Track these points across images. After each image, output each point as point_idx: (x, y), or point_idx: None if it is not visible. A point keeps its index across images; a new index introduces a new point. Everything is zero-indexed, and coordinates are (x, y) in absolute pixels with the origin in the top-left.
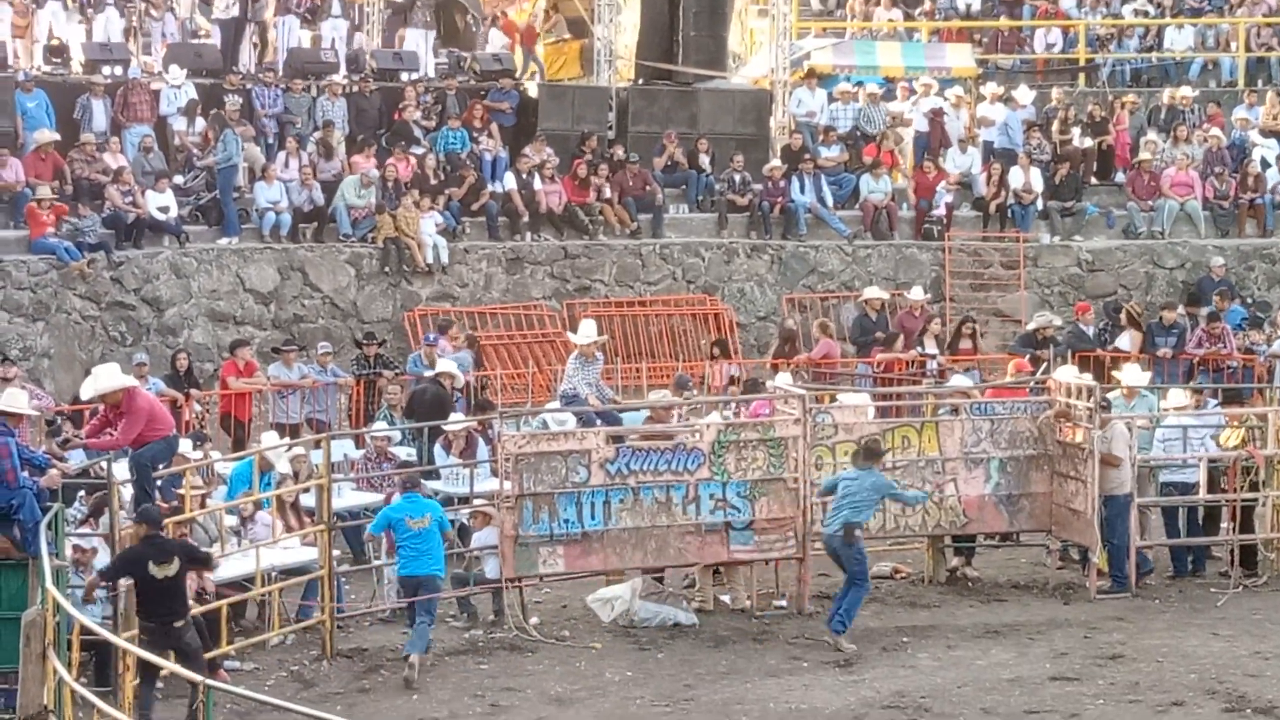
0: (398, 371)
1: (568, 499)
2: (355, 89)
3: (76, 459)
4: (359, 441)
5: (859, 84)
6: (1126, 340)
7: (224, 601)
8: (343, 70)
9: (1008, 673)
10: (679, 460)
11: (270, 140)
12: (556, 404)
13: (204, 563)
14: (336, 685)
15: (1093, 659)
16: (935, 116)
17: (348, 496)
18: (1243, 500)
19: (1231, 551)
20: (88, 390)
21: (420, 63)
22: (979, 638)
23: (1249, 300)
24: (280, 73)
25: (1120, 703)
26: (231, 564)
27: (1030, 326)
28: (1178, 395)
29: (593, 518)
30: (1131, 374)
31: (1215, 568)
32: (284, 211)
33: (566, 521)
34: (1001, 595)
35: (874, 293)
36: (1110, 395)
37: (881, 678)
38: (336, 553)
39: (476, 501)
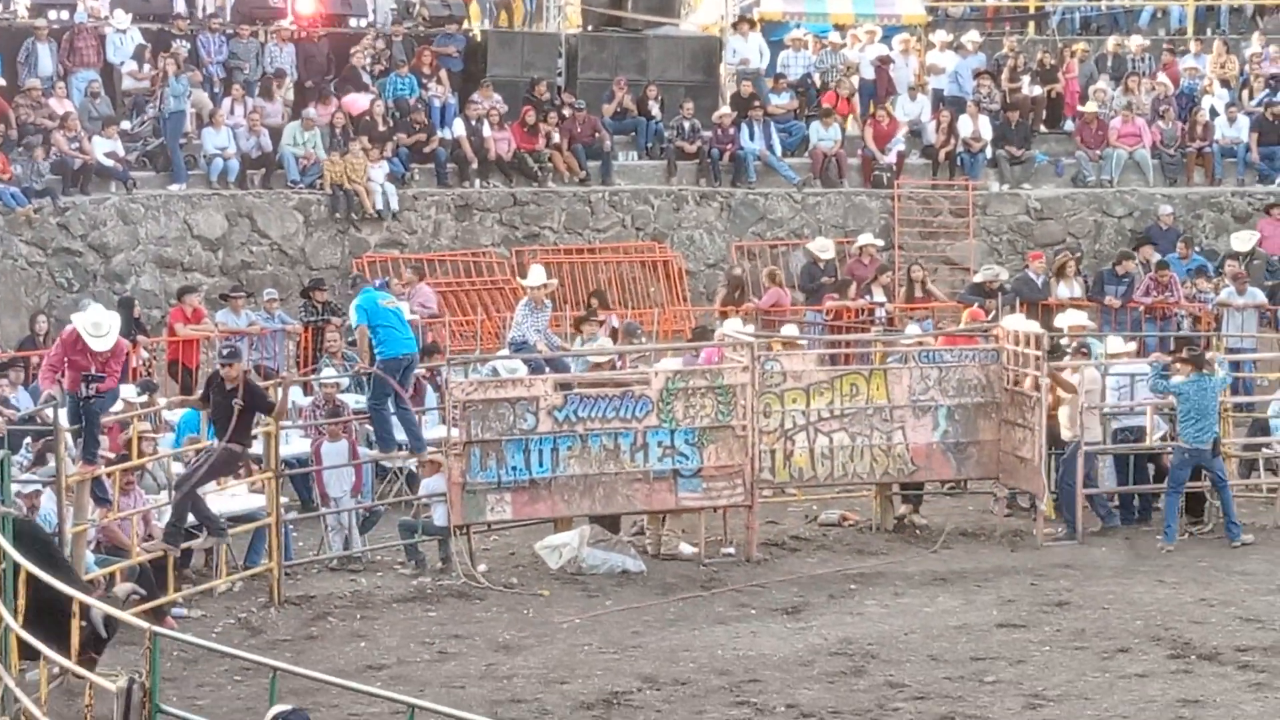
0: (345, 319)
1: (515, 446)
2: (303, 35)
3: (23, 403)
4: (306, 389)
5: (810, 31)
6: (1064, 288)
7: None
8: (290, 15)
9: (955, 620)
10: (627, 407)
11: (217, 87)
12: (505, 351)
13: None
14: (284, 632)
15: (1039, 606)
16: (881, 64)
17: (295, 444)
18: None
19: None
20: (108, 341)
21: (368, 8)
22: (926, 585)
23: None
24: (227, 18)
25: (1066, 649)
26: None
27: (977, 279)
28: (1117, 343)
29: (540, 465)
30: (1070, 317)
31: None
32: (232, 158)
33: (514, 469)
34: (949, 542)
35: (822, 247)
36: (1062, 341)
37: (829, 625)
38: (284, 500)
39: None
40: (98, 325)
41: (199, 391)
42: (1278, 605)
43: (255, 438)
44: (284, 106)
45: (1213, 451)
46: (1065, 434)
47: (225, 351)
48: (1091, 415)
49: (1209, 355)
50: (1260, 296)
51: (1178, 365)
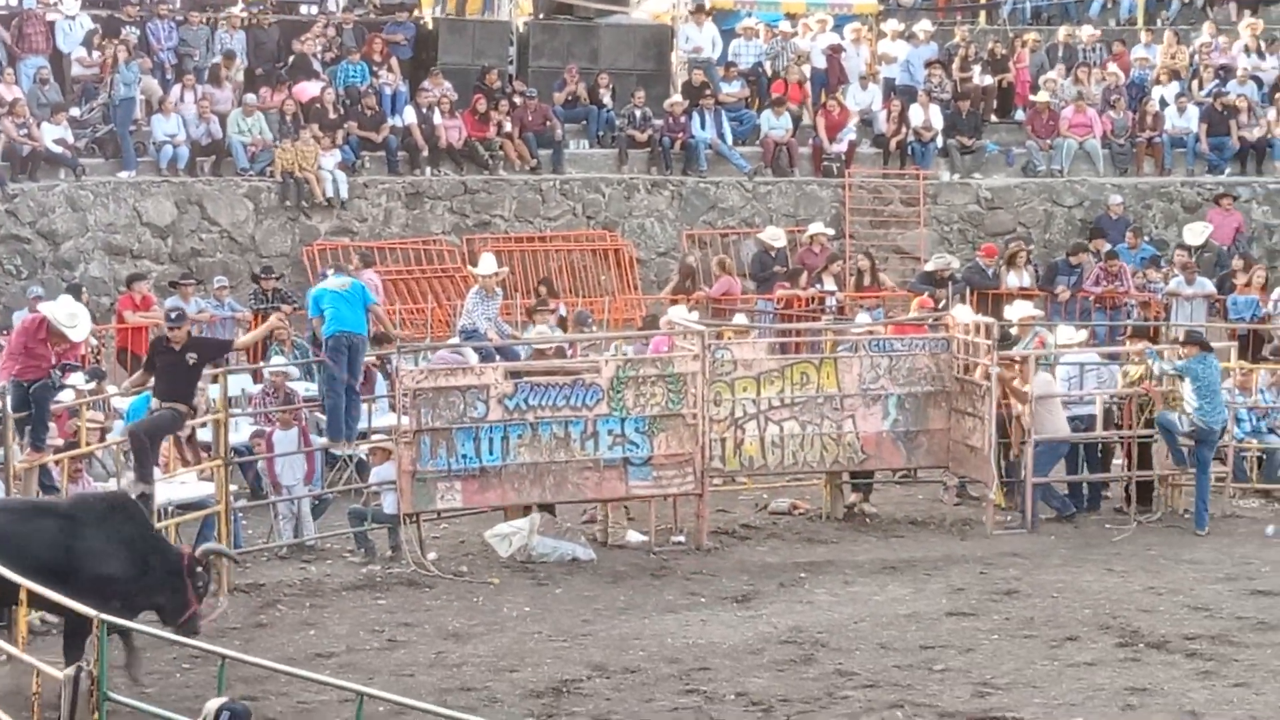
0: (295, 306)
1: (466, 434)
2: (254, 21)
3: None
4: (256, 376)
5: (761, 20)
6: (1013, 277)
7: None
8: (241, 3)
9: (904, 608)
10: (577, 396)
11: (169, 74)
12: (456, 339)
13: None
14: (234, 620)
15: (988, 594)
16: (833, 53)
17: (244, 431)
18: (1139, 437)
19: (1127, 488)
20: (83, 330)
21: None
22: (876, 573)
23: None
24: (177, 4)
25: (1015, 638)
26: None
27: (929, 267)
28: (1067, 332)
29: (491, 453)
30: (1019, 308)
31: (1111, 504)
32: (181, 145)
33: (464, 457)
34: (899, 531)
35: (773, 236)
36: (1012, 331)
37: (779, 613)
38: (233, 488)
39: (375, 437)
40: (73, 316)
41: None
42: (1225, 594)
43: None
44: (234, 93)
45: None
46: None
47: (174, 315)
48: (1053, 411)
49: (1159, 346)
50: (1209, 286)
51: (1132, 353)
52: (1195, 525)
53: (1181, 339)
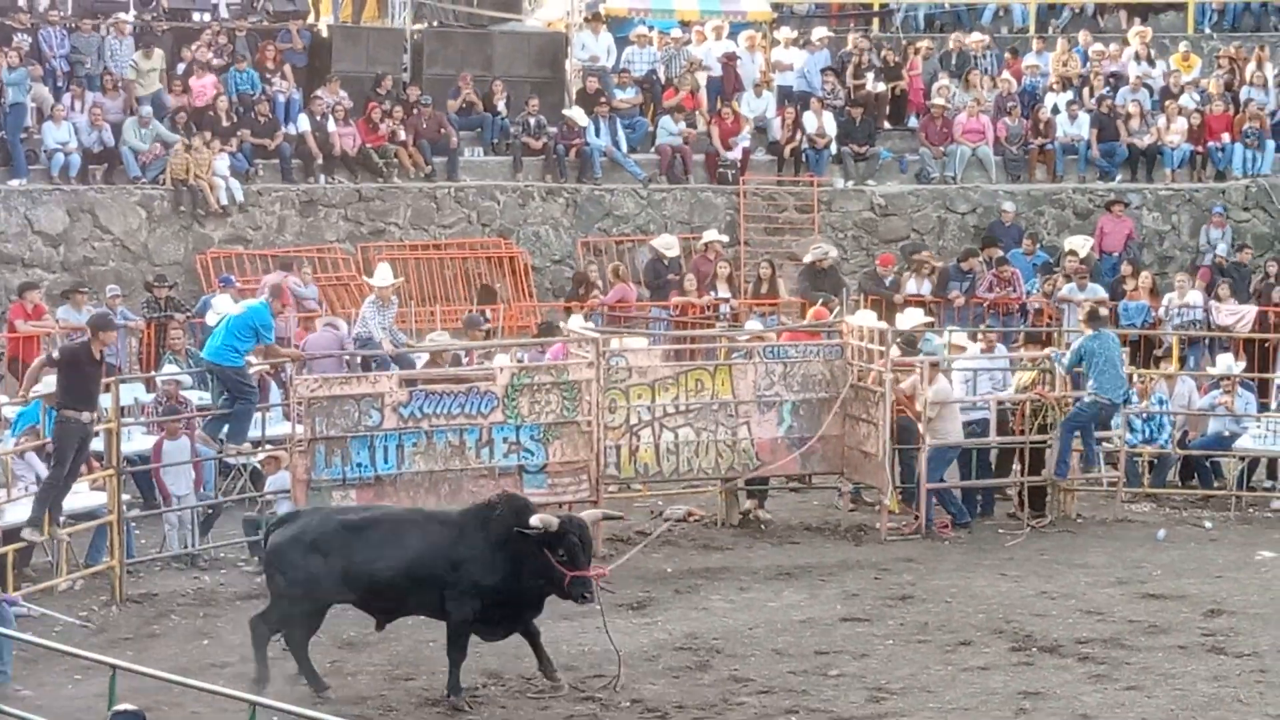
0: (188, 315)
1: (360, 443)
2: (146, 28)
3: None
4: (149, 385)
5: (654, 27)
6: (913, 284)
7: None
8: (132, 9)
9: (799, 614)
10: (472, 403)
11: (60, 82)
12: (351, 346)
13: None
14: (126, 630)
15: (883, 600)
16: (728, 60)
17: (137, 440)
18: (1032, 442)
19: (1020, 493)
20: None
21: (211, 2)
22: (771, 580)
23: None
24: (69, 12)
25: (910, 643)
26: (18, 509)
27: (807, 259)
28: (962, 338)
29: (385, 461)
30: (910, 316)
31: (1004, 509)
32: (73, 153)
33: (359, 465)
34: (794, 537)
35: (666, 244)
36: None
37: (674, 620)
38: (126, 497)
39: (268, 446)
40: None
41: (53, 356)
42: (1117, 598)
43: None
44: (125, 101)
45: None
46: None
47: (104, 320)
48: (951, 416)
49: (1048, 350)
50: (1101, 292)
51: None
52: (1088, 460)
53: (1083, 316)
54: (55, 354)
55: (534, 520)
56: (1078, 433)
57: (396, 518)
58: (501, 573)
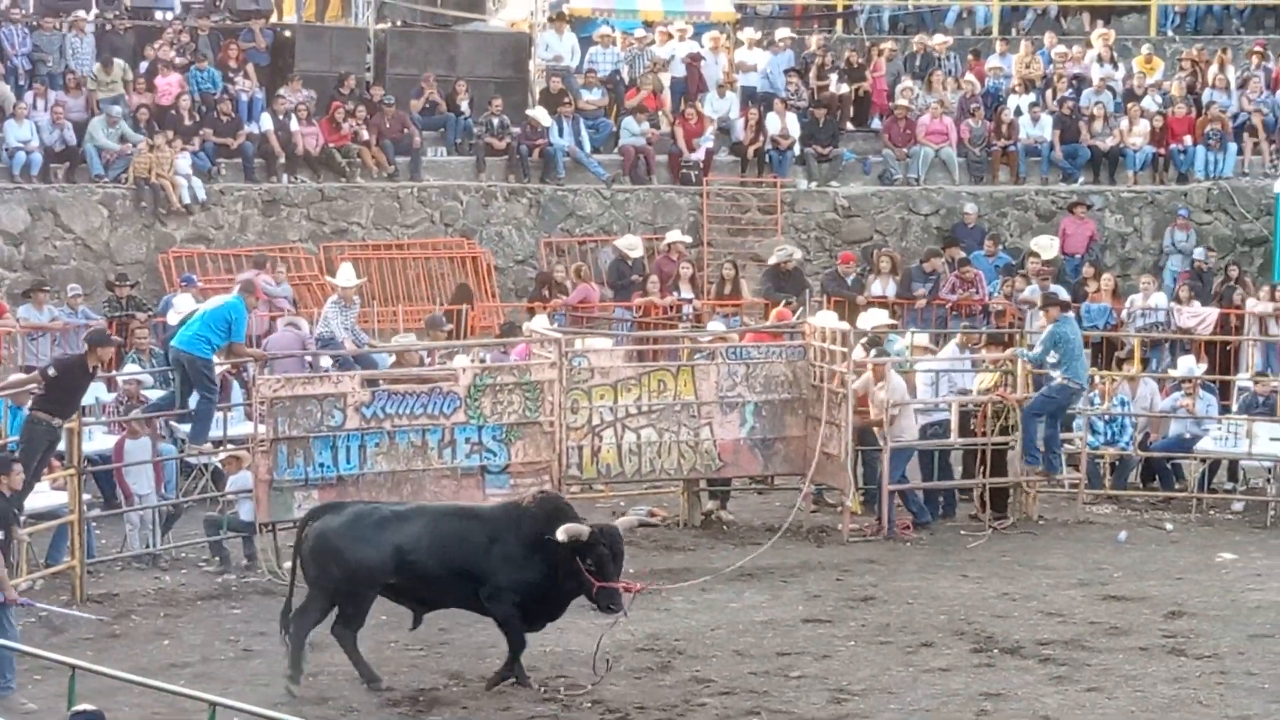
0: (150, 314)
1: (323, 443)
2: (108, 27)
3: None
4: (110, 384)
5: (618, 28)
6: (878, 285)
7: None
8: (94, 7)
9: (761, 615)
10: (435, 404)
11: (22, 80)
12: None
13: None
14: (87, 631)
15: (845, 601)
16: (692, 61)
17: (98, 440)
18: (994, 444)
19: (982, 494)
20: None
21: (173, 0)
22: (733, 581)
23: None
24: (30, 9)
25: (871, 644)
26: None
27: (771, 260)
28: (923, 339)
29: (348, 461)
30: (872, 316)
31: (966, 510)
32: (35, 151)
33: (322, 465)
34: (756, 539)
35: (630, 245)
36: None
37: (636, 620)
38: (87, 497)
39: (229, 446)
40: None
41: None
42: (1079, 599)
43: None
44: (88, 100)
45: None
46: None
47: (102, 336)
48: (905, 414)
49: (1010, 351)
50: (1064, 294)
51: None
52: (1048, 468)
53: (1041, 303)
54: (52, 371)
55: (560, 532)
56: (1040, 461)
57: (437, 511)
58: (536, 571)
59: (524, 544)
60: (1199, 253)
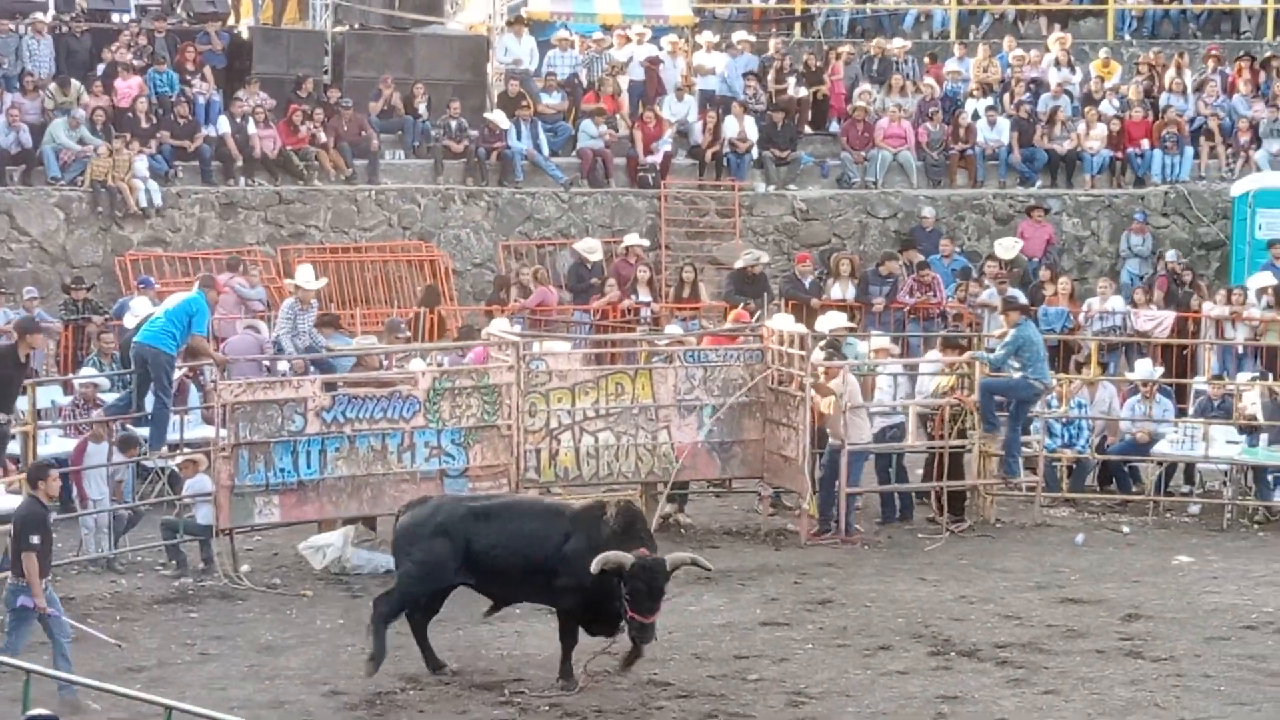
0: (107, 317)
1: (284, 448)
2: (65, 29)
3: None
4: (67, 388)
5: (576, 31)
6: (838, 289)
7: None
8: (51, 10)
9: (719, 618)
10: (395, 408)
11: None
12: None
13: None
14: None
15: (803, 604)
16: (650, 65)
17: (54, 443)
18: (951, 447)
19: (939, 497)
20: None
21: (130, 3)
22: (691, 584)
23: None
24: None
25: (829, 647)
26: None
27: (738, 264)
28: (879, 342)
29: (309, 466)
30: (831, 320)
31: (923, 513)
32: None
33: (283, 470)
34: (714, 542)
35: (589, 248)
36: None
37: None
38: None
39: (186, 449)
40: None
41: None
42: (1036, 602)
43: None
44: (44, 102)
45: None
46: (832, 440)
47: (30, 324)
48: (859, 416)
49: (967, 354)
50: (1021, 298)
51: (946, 359)
52: (1007, 472)
53: (1001, 307)
54: None
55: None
56: (1002, 423)
57: (519, 508)
58: (593, 577)
59: (593, 548)
60: (1171, 255)
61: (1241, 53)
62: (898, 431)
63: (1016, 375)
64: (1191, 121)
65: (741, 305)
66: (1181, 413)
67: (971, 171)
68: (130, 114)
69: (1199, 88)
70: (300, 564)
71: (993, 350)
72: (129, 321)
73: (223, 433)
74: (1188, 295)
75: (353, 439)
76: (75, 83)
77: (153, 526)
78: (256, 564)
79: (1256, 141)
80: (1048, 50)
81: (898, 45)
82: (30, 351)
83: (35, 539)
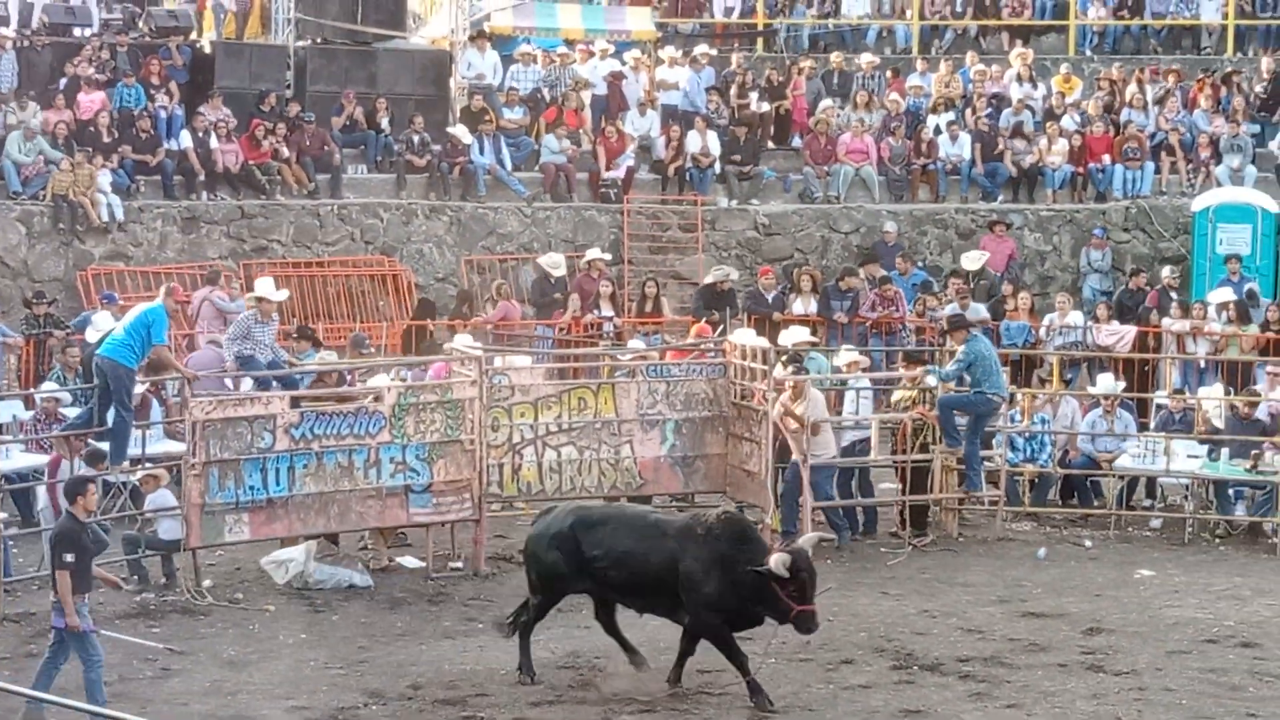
0: (69, 331)
1: (253, 465)
2: (26, 43)
3: None
4: (28, 402)
5: (539, 46)
6: (800, 303)
7: None
8: (13, 24)
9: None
10: (361, 424)
11: None
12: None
13: None
14: (3, 650)
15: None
16: (613, 80)
17: (16, 458)
18: (913, 461)
19: (901, 511)
20: None
21: (93, 17)
22: None
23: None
24: None
25: (791, 661)
26: None
27: (708, 279)
28: (848, 355)
29: (278, 483)
30: (794, 334)
31: (885, 527)
32: None
33: (252, 488)
34: None
35: (552, 263)
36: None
37: (556, 638)
38: (4, 515)
39: (148, 465)
40: None
41: None
42: (998, 616)
43: None
44: (6, 117)
45: None
46: (795, 455)
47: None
48: (824, 431)
49: (923, 368)
50: (983, 312)
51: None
52: (969, 486)
53: (946, 326)
54: None
55: (776, 566)
56: (963, 442)
57: (623, 522)
58: (716, 586)
59: (702, 563)
60: (1167, 271)
61: (1203, 69)
62: (865, 446)
63: (972, 391)
64: (1152, 137)
65: (704, 320)
66: (1143, 427)
67: (934, 186)
68: (92, 128)
69: (1159, 103)
70: (263, 579)
71: (946, 367)
72: (91, 336)
73: (197, 451)
74: (1146, 310)
75: (320, 455)
76: (33, 103)
77: (114, 541)
78: (219, 578)
79: (1217, 157)
80: (1009, 66)
81: (868, 61)
82: None
83: (69, 557)
